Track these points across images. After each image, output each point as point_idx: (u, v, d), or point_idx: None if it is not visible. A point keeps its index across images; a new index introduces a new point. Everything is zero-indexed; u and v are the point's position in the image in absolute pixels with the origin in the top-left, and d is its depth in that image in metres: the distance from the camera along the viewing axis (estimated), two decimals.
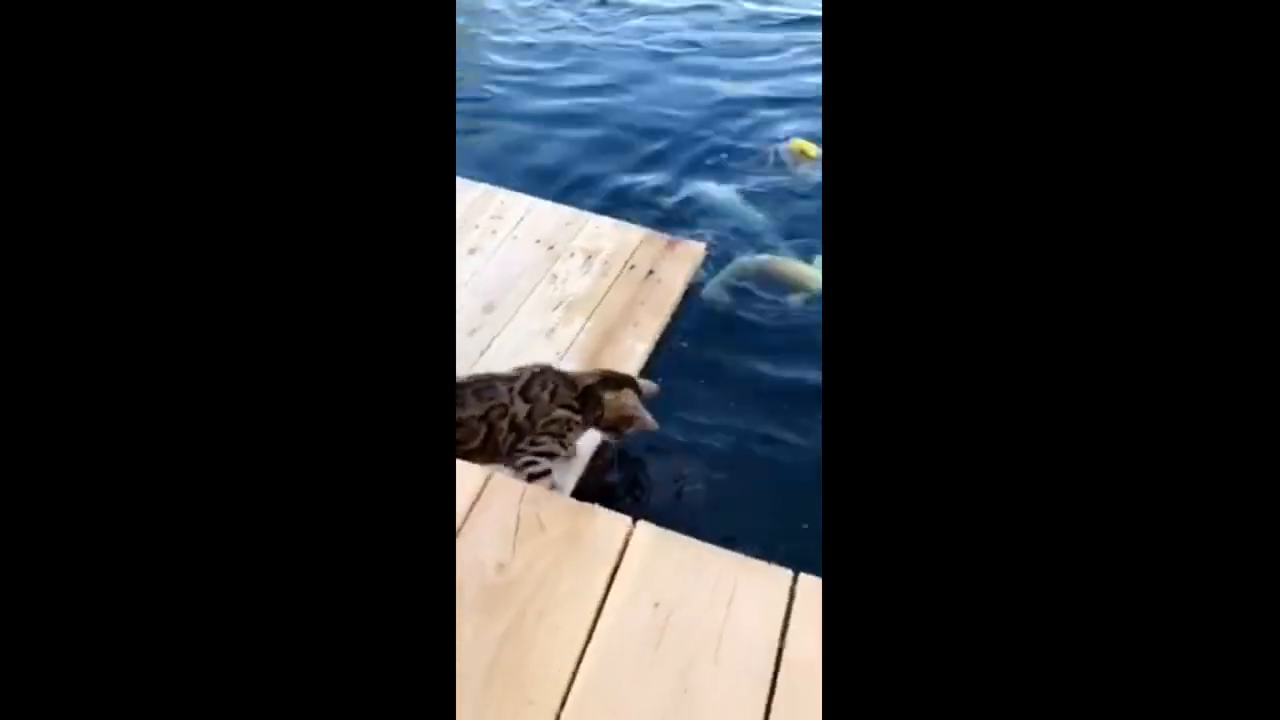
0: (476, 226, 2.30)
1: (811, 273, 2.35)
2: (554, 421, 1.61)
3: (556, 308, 2.10)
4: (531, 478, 1.56)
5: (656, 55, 3.64)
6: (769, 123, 3.19)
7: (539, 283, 2.16)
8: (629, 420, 1.63)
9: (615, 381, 1.66)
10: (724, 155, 2.99)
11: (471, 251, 2.23)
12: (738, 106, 3.28)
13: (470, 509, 1.24)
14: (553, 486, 1.60)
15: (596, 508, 1.27)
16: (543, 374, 1.64)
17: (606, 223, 2.36)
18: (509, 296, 2.12)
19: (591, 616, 1.13)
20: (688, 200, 2.73)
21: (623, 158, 2.94)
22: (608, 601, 1.15)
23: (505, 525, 1.22)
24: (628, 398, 1.64)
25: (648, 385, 1.73)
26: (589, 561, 1.19)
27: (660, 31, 3.84)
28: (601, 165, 2.88)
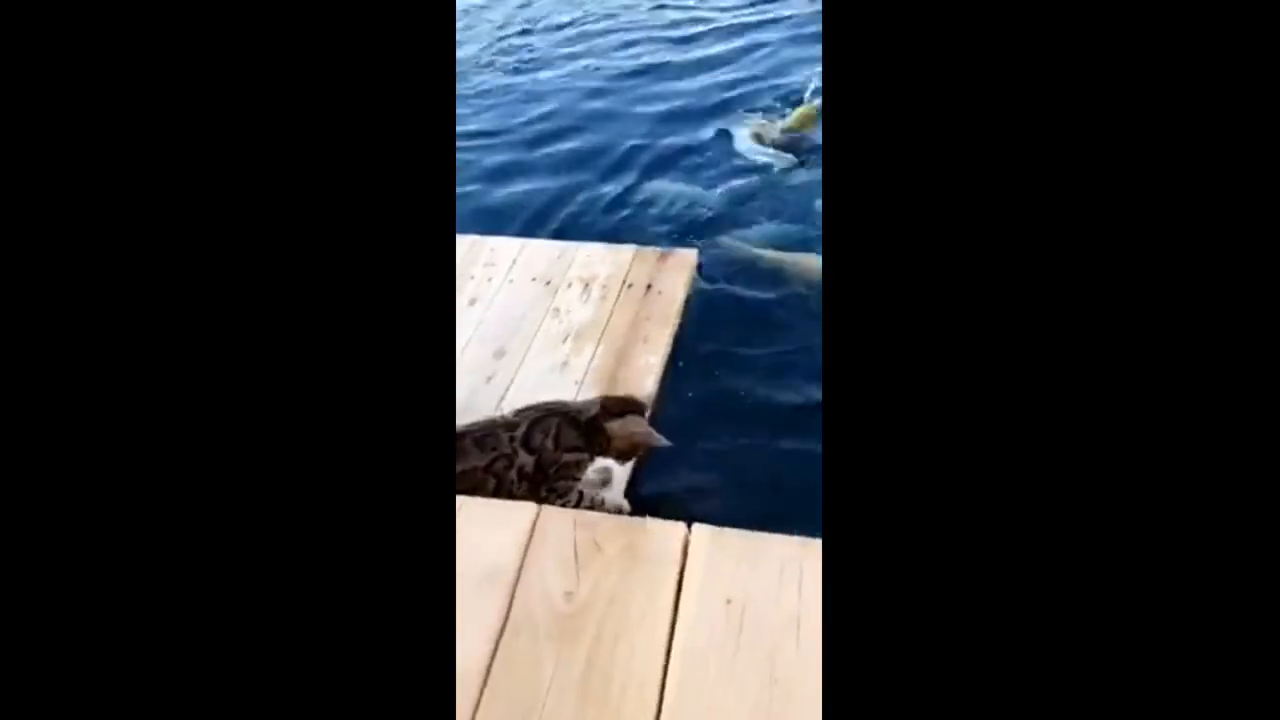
0: (472, 277, 2.34)
1: (801, 260, 2.39)
2: (565, 467, 1.59)
3: (565, 340, 2.13)
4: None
5: (591, 84, 3.70)
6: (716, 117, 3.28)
7: (543, 319, 2.19)
8: (639, 446, 1.63)
9: (617, 408, 1.63)
10: (690, 158, 3.06)
11: (472, 302, 2.26)
12: (686, 112, 3.37)
13: (527, 545, 1.26)
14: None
15: (649, 519, 1.28)
16: (544, 419, 1.59)
17: (597, 248, 2.40)
18: (516, 339, 2.14)
19: (667, 626, 1.14)
20: (660, 209, 2.79)
21: (586, 184, 2.99)
22: (680, 607, 1.16)
23: (564, 554, 1.24)
24: (634, 424, 1.61)
25: (646, 400, 1.73)
26: (653, 572, 1.20)
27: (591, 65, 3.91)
28: (566, 196, 2.93)
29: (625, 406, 1.64)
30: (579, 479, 1.61)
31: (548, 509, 1.32)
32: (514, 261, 2.38)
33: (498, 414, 1.69)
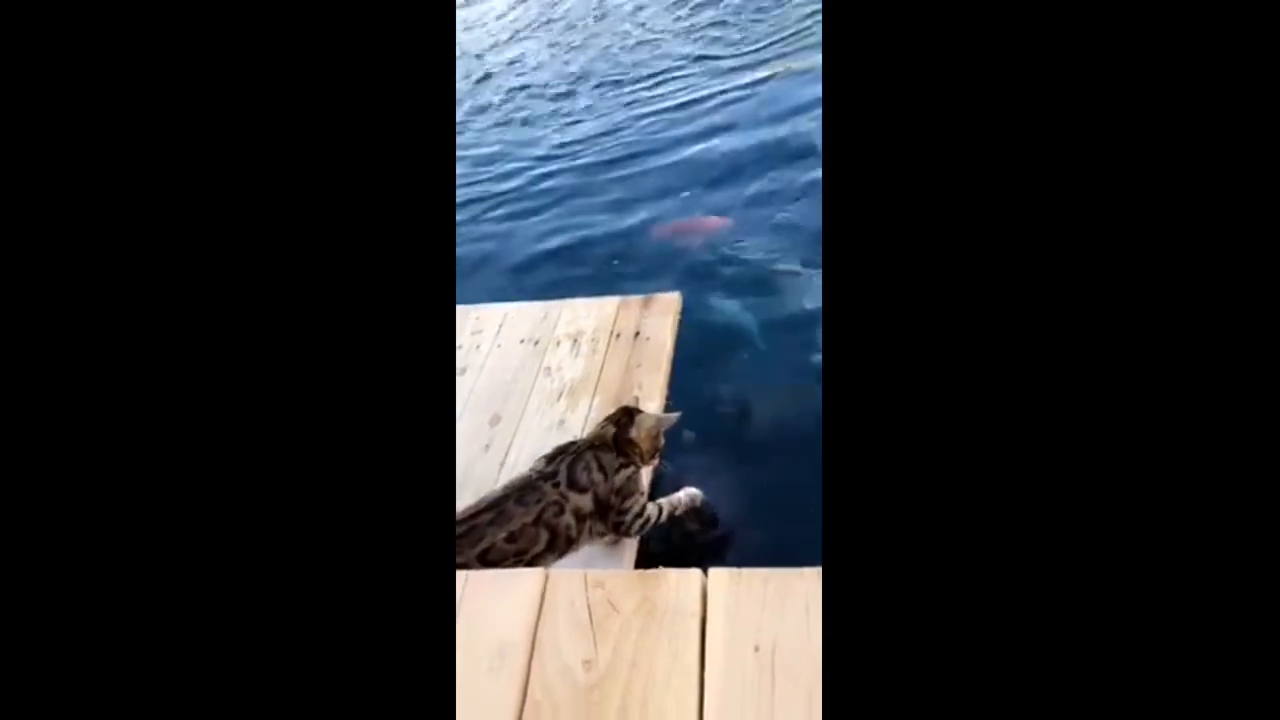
0: (460, 346, 2.31)
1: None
2: (624, 487, 1.61)
3: (559, 398, 2.08)
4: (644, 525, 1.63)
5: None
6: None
7: (535, 380, 2.15)
8: (659, 438, 1.66)
9: (625, 419, 1.66)
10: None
11: (462, 371, 2.23)
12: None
13: (539, 613, 1.18)
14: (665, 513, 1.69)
15: (663, 570, 1.21)
16: (576, 458, 1.61)
17: (580, 302, 2.38)
18: (511, 403, 2.10)
19: (696, 684, 1.06)
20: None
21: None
22: (707, 662, 1.08)
23: (578, 619, 1.16)
24: (644, 422, 1.65)
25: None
26: (673, 626, 1.12)
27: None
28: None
29: (630, 413, 1.67)
30: (642, 491, 1.64)
31: (554, 571, 1.25)
32: (500, 326, 2.36)
33: (530, 470, 1.67)
